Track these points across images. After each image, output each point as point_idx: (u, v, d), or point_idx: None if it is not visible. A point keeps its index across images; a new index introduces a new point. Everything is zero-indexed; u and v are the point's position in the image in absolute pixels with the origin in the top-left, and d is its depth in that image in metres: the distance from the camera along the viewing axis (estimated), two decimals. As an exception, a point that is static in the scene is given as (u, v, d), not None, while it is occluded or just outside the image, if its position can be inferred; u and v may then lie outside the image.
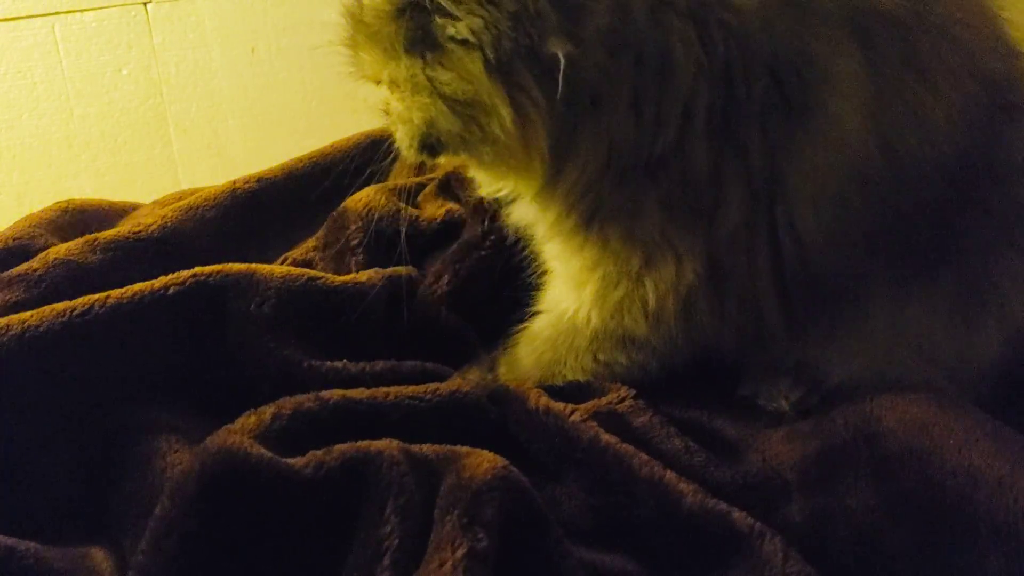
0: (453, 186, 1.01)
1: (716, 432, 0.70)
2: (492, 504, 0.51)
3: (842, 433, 0.66)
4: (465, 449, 0.58)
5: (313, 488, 0.54)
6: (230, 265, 0.73)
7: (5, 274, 0.78)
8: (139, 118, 1.23)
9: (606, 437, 0.63)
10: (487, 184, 0.75)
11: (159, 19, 1.21)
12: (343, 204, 0.95)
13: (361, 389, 0.66)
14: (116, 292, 0.68)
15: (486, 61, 0.59)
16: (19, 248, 0.85)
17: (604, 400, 0.69)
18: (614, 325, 0.70)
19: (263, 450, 0.54)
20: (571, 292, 0.71)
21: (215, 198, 0.95)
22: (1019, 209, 0.69)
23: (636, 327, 0.69)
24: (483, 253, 0.86)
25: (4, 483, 0.61)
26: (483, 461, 0.55)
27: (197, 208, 0.93)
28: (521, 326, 0.77)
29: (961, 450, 0.60)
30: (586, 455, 0.63)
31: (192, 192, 1.02)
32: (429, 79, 0.61)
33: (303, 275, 0.75)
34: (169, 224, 0.89)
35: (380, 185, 0.98)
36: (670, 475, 0.60)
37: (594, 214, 0.66)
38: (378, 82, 0.67)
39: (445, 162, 0.73)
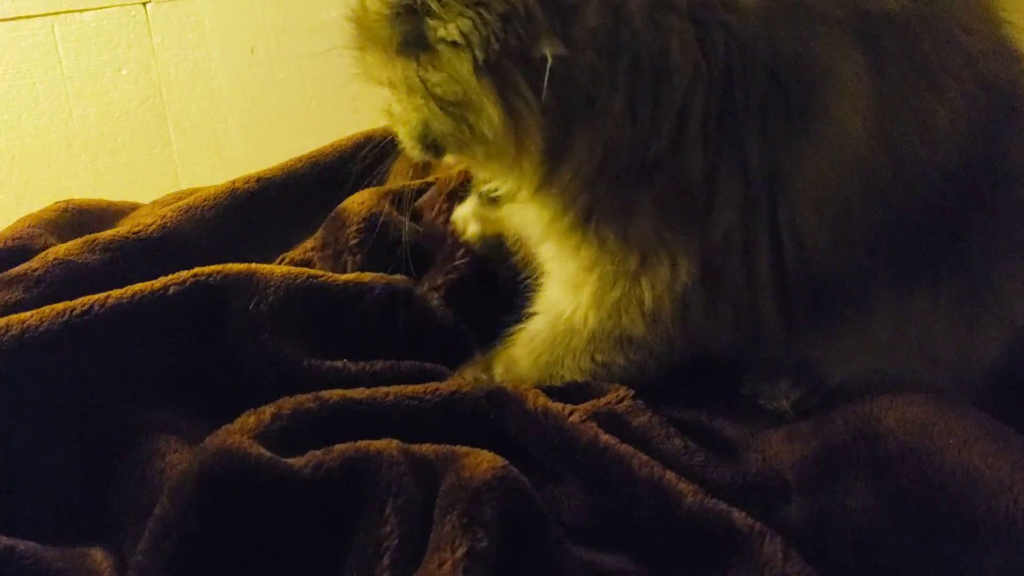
0: (459, 194, 1.00)
1: (716, 432, 0.70)
2: (492, 504, 0.51)
3: (842, 433, 0.66)
4: (465, 449, 0.58)
5: (312, 488, 0.54)
6: (230, 265, 0.73)
7: (4, 274, 0.78)
8: (139, 118, 1.23)
9: (605, 438, 0.63)
10: (487, 182, 0.76)
11: (158, 19, 1.21)
12: (342, 204, 0.95)
13: (361, 389, 0.66)
14: (116, 292, 0.67)
15: (475, 62, 0.59)
16: (18, 248, 0.85)
17: (603, 400, 0.69)
18: (611, 325, 0.70)
19: (262, 450, 0.54)
20: (568, 293, 0.71)
21: (214, 198, 0.95)
22: (1020, 211, 0.69)
23: (634, 327, 0.69)
24: (466, 260, 0.86)
25: (3, 483, 0.61)
26: (483, 461, 0.55)
27: (196, 208, 0.93)
28: (517, 327, 0.77)
29: (961, 450, 0.60)
30: (585, 456, 0.63)
31: (191, 192, 1.02)
32: (422, 80, 0.62)
33: (303, 274, 0.75)
34: (169, 224, 0.89)
35: (381, 187, 0.98)
36: (670, 475, 0.60)
37: (590, 214, 0.66)
38: (381, 84, 0.68)
39: (453, 161, 0.73)
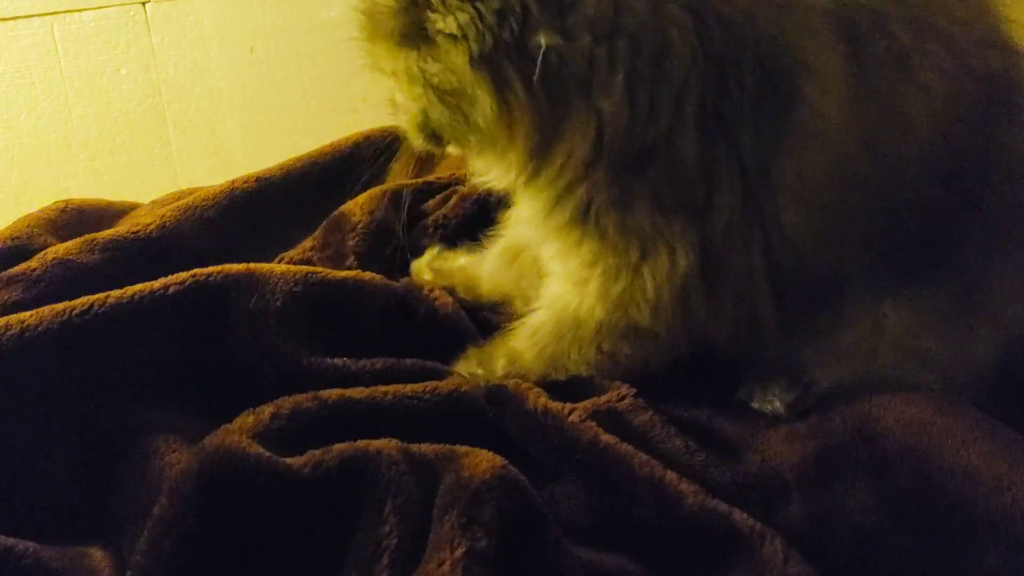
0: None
1: (716, 432, 0.70)
2: (491, 503, 0.51)
3: (841, 433, 0.66)
4: (464, 449, 0.58)
5: (312, 488, 0.54)
6: (229, 266, 0.73)
7: (3, 274, 0.77)
8: (138, 118, 1.23)
9: (605, 437, 0.63)
10: (482, 172, 0.77)
11: (158, 19, 1.21)
12: (342, 208, 0.95)
13: (360, 388, 0.66)
14: (116, 292, 0.67)
15: (471, 54, 0.61)
16: (17, 248, 0.85)
17: (603, 399, 0.69)
18: (618, 316, 0.70)
19: (261, 450, 0.54)
20: (573, 289, 0.72)
21: (214, 198, 0.95)
22: (1015, 213, 0.68)
23: (640, 317, 0.70)
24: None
25: (3, 483, 0.61)
26: (482, 460, 0.55)
27: (196, 208, 0.93)
28: (515, 322, 0.77)
29: (959, 450, 0.60)
30: (585, 456, 0.63)
31: (191, 192, 1.02)
32: (421, 70, 0.65)
33: (302, 271, 0.76)
34: (168, 224, 0.89)
35: (380, 188, 0.98)
36: (670, 475, 0.60)
37: (588, 207, 0.67)
38: (386, 73, 0.70)
39: (454, 152, 0.74)
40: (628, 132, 0.63)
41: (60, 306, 0.66)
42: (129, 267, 0.81)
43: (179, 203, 0.94)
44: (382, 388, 0.66)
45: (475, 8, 0.60)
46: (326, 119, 1.29)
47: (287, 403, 0.62)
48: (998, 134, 0.67)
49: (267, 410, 0.61)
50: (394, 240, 0.92)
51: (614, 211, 0.66)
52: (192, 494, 0.52)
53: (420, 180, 1.04)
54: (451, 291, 0.85)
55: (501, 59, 0.61)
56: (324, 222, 0.95)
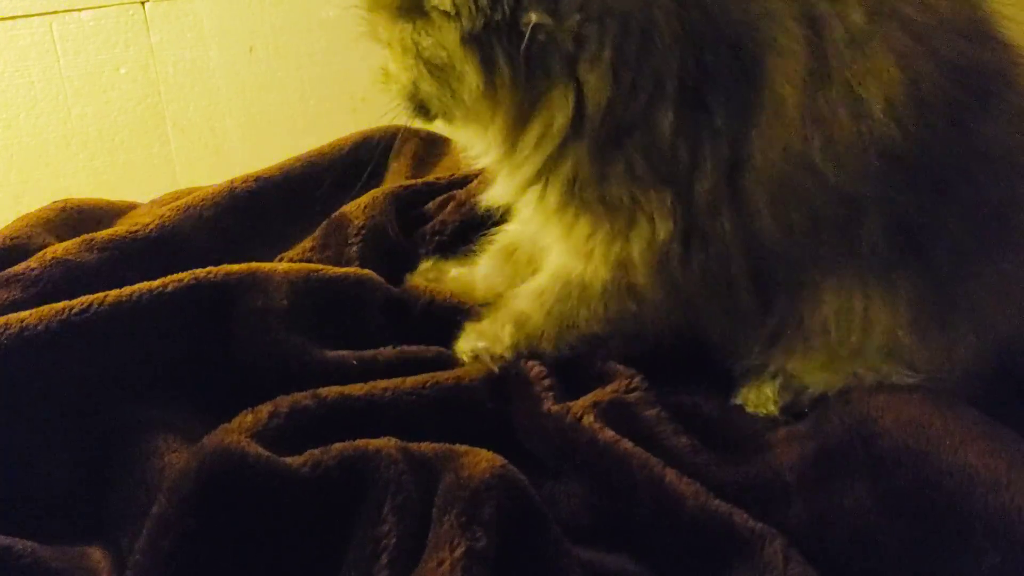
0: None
1: (716, 432, 0.70)
2: (491, 503, 0.51)
3: (839, 433, 0.66)
4: (464, 448, 0.58)
5: (310, 487, 0.54)
6: (230, 266, 0.73)
7: (2, 273, 0.77)
8: (137, 117, 1.23)
9: (604, 436, 0.63)
10: (468, 148, 0.79)
11: (157, 18, 1.21)
12: (341, 210, 0.95)
13: (359, 384, 0.66)
14: (115, 292, 0.67)
15: (462, 32, 0.64)
16: (16, 247, 0.85)
17: (610, 388, 0.69)
18: (619, 274, 0.71)
19: (260, 449, 0.54)
20: (577, 260, 0.73)
21: (213, 197, 0.95)
22: (992, 208, 0.67)
23: (635, 277, 0.70)
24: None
25: (1, 482, 0.61)
26: (482, 460, 0.55)
27: (195, 207, 0.93)
28: (511, 291, 0.78)
29: (957, 450, 0.60)
30: (585, 457, 0.63)
31: (190, 191, 1.01)
32: (415, 43, 0.67)
33: (304, 269, 0.76)
34: (167, 223, 0.89)
35: (381, 189, 0.98)
36: (670, 476, 0.60)
37: (573, 183, 0.69)
38: (381, 43, 0.72)
39: (442, 124, 0.76)
40: (609, 107, 0.65)
41: (59, 305, 0.66)
42: (128, 267, 0.81)
43: (178, 203, 0.94)
44: (382, 384, 0.66)
45: None
46: (325, 119, 1.29)
47: (285, 402, 0.62)
48: (973, 124, 0.66)
49: (265, 409, 0.61)
50: (393, 243, 0.93)
51: (597, 185, 0.68)
52: (191, 493, 0.52)
53: (420, 181, 1.04)
54: None
55: (491, 38, 0.64)
56: (324, 223, 0.95)
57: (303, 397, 0.63)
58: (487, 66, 0.65)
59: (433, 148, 1.17)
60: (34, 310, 0.65)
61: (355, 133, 1.09)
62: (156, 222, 0.88)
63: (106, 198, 1.05)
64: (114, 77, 1.21)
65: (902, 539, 0.59)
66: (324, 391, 0.64)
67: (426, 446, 0.59)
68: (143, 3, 1.20)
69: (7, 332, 0.63)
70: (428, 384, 0.67)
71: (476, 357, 0.74)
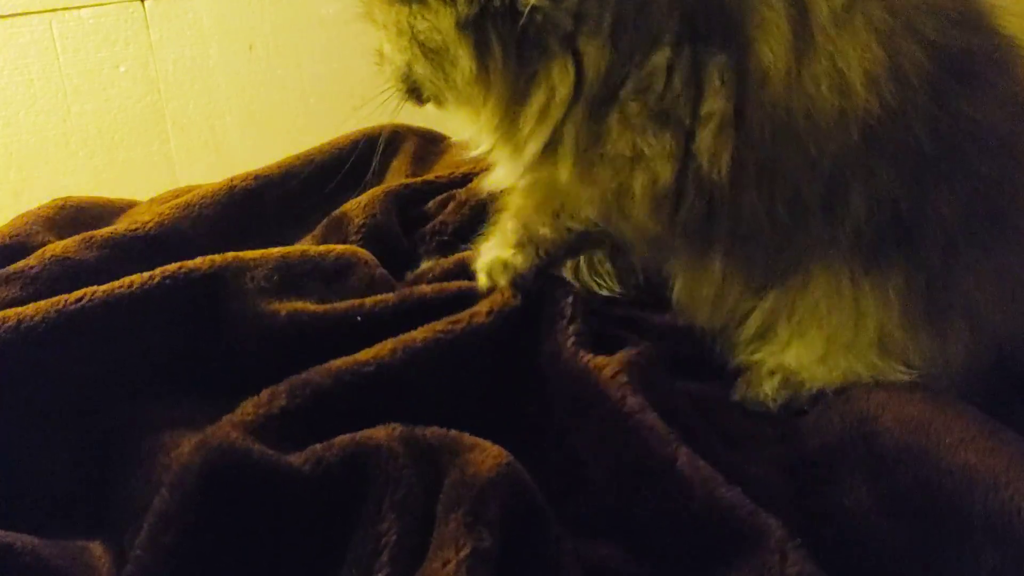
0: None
1: (718, 431, 0.70)
2: (496, 502, 0.51)
3: (839, 432, 0.66)
4: (469, 440, 0.58)
5: (312, 484, 0.54)
6: (215, 256, 0.73)
7: (2, 271, 0.77)
8: (136, 115, 1.23)
9: (632, 401, 0.62)
10: (462, 131, 0.80)
11: (156, 16, 1.21)
12: (341, 208, 0.95)
13: (365, 351, 0.65)
14: (107, 284, 0.67)
15: (458, 17, 0.65)
16: (16, 245, 0.85)
17: (635, 350, 0.69)
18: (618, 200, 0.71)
19: (262, 446, 0.54)
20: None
21: (212, 196, 0.95)
22: (983, 196, 0.67)
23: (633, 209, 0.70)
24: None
25: (1, 478, 0.61)
26: (487, 457, 0.55)
27: (194, 206, 0.93)
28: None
29: (957, 449, 0.60)
30: (607, 415, 0.63)
31: (189, 189, 1.02)
32: (410, 26, 0.68)
33: (295, 248, 0.77)
34: (166, 222, 0.89)
35: (381, 188, 0.98)
36: (683, 457, 0.59)
37: (577, 144, 0.69)
38: (377, 25, 0.73)
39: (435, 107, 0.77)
40: (608, 71, 0.66)
41: (55, 299, 0.66)
42: (127, 265, 0.81)
43: (177, 201, 0.94)
44: (389, 345, 0.66)
45: None
46: (325, 117, 1.30)
47: (281, 388, 0.62)
48: (958, 105, 0.66)
49: (266, 394, 0.61)
50: (393, 242, 0.93)
51: (599, 142, 0.68)
52: (192, 489, 0.52)
53: (420, 179, 1.04)
54: None
55: (486, 25, 0.65)
56: (324, 221, 0.95)
57: (304, 377, 0.63)
58: (480, 50, 0.66)
59: (433, 146, 1.17)
60: (32, 304, 0.65)
61: (355, 131, 1.09)
62: (155, 220, 0.89)
63: (105, 196, 1.05)
64: (114, 75, 1.21)
65: (901, 538, 0.59)
66: (326, 367, 0.64)
67: (431, 431, 0.59)
68: (143, 1, 1.20)
69: (5, 326, 0.63)
70: (440, 330, 0.67)
71: (490, 274, 0.75)
